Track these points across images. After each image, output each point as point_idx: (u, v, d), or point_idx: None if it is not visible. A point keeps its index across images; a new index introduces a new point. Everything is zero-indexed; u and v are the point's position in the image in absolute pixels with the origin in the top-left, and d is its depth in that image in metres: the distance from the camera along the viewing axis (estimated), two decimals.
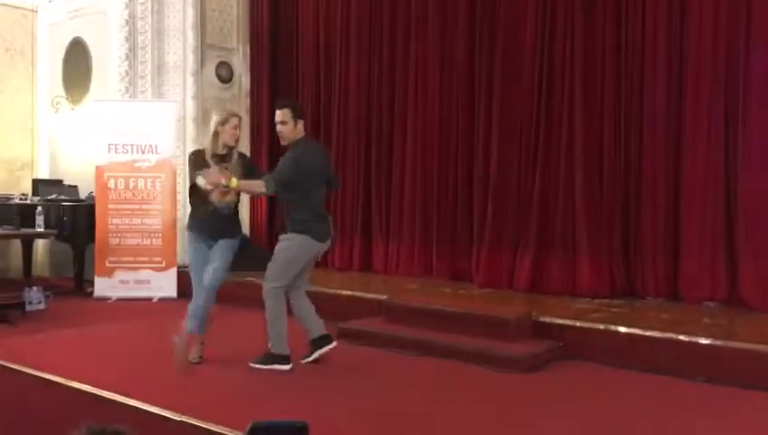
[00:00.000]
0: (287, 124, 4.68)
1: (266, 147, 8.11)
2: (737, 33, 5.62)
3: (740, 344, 4.46)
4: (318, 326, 4.73)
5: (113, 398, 3.91)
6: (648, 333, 4.76)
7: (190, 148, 7.84)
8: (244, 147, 8.38)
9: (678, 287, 5.89)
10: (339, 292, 6.30)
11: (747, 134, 5.58)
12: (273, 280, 4.62)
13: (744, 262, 5.59)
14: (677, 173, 5.91)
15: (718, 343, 4.50)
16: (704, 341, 4.55)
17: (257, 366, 4.56)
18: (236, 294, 7.02)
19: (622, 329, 4.88)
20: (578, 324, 5.06)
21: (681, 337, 4.63)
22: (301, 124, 4.75)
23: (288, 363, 4.56)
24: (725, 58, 5.68)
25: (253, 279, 7.10)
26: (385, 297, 5.86)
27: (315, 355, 4.68)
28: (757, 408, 3.98)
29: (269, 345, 4.59)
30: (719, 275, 5.70)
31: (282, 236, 4.73)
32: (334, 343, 4.73)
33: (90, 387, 4.08)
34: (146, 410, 3.70)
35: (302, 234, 4.61)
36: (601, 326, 4.99)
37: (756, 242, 5.53)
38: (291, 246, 4.63)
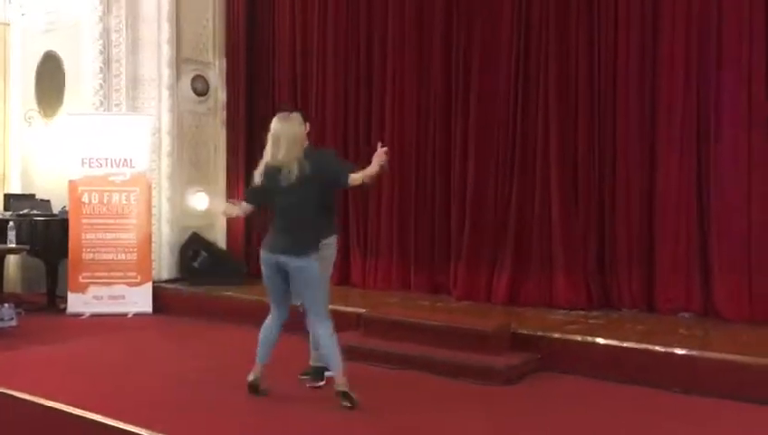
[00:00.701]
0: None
1: (243, 160, 8.07)
2: (709, 49, 5.73)
3: (715, 355, 4.51)
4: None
5: (87, 416, 3.84)
6: (624, 345, 4.81)
7: (165, 161, 7.83)
8: (221, 159, 8.40)
9: (654, 299, 5.95)
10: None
11: (719, 149, 5.68)
12: (327, 301, 4.40)
13: (717, 273, 5.67)
14: (651, 187, 5.99)
15: (694, 353, 4.55)
16: (679, 351, 4.59)
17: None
18: (213, 309, 6.98)
19: (599, 340, 4.93)
20: (555, 336, 5.09)
21: (657, 348, 4.68)
22: (307, 127, 4.60)
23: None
24: (697, 75, 5.78)
25: (230, 294, 7.08)
26: (363, 311, 5.85)
27: (309, 379, 4.61)
28: (733, 418, 4.03)
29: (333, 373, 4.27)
30: (693, 286, 5.77)
31: (323, 243, 4.41)
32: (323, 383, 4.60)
33: (63, 405, 4.01)
34: (121, 429, 3.64)
35: (336, 234, 4.65)
36: (579, 338, 5.03)
37: (729, 253, 5.61)
38: (330, 253, 4.59)
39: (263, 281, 4.36)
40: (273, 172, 4.16)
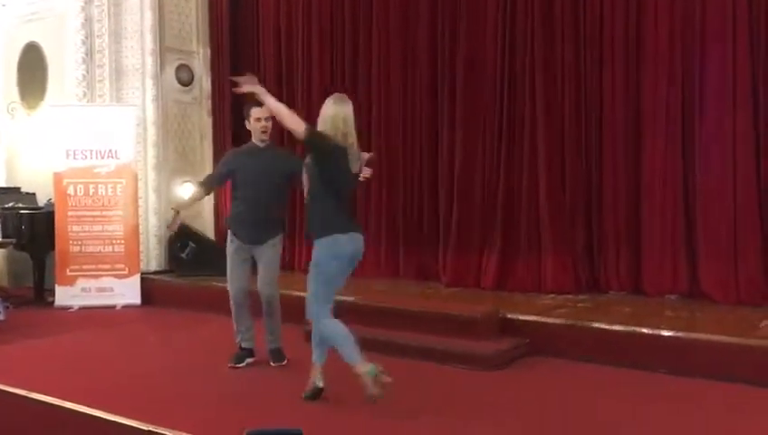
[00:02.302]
0: (270, 121, 4.67)
1: (230, 149, 7.99)
2: (692, 34, 5.75)
3: (701, 336, 4.55)
4: None
5: (78, 409, 3.83)
6: (612, 327, 4.84)
7: (151, 152, 7.78)
8: (208, 149, 8.34)
9: (641, 281, 6.00)
10: (306, 294, 6.25)
11: (703, 133, 5.71)
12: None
13: (703, 255, 5.72)
14: (637, 171, 6.03)
15: (680, 334, 4.59)
16: (666, 333, 4.64)
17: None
18: (202, 300, 6.96)
19: (587, 324, 4.96)
20: (544, 320, 5.12)
21: (644, 330, 4.72)
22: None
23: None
24: (681, 60, 5.81)
25: (218, 284, 7.05)
26: (352, 298, 5.85)
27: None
28: (719, 398, 4.07)
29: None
30: (680, 268, 5.83)
31: None
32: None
33: (53, 398, 3.99)
34: (114, 422, 3.64)
35: None
36: (567, 321, 5.06)
37: (715, 236, 5.66)
38: None
39: (330, 276, 3.93)
40: (344, 154, 3.85)
